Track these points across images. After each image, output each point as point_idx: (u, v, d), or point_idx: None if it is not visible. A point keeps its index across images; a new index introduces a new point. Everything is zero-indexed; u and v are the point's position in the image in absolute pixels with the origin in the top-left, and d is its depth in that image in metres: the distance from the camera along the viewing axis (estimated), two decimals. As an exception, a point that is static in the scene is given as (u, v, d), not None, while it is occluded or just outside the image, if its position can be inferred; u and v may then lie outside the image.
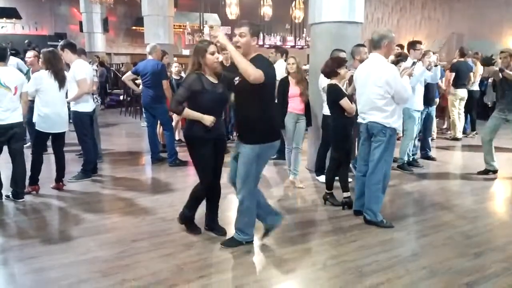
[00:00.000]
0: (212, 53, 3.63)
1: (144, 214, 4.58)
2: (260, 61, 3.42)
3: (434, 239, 4.01)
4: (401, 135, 6.69)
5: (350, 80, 4.88)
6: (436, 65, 6.38)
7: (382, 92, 4.08)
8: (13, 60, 8.03)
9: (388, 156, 4.25)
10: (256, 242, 3.90)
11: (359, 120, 4.42)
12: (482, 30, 13.44)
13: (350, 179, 5.00)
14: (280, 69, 6.24)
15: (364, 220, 4.34)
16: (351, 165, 5.58)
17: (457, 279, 3.27)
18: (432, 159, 7.07)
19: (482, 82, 10.90)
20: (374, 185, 4.24)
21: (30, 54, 6.80)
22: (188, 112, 3.67)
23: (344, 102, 4.50)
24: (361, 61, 4.91)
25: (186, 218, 4.06)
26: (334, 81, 4.59)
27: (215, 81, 3.72)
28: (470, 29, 13.76)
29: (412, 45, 6.33)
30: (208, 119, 3.64)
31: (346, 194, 4.73)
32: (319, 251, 3.74)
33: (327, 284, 3.21)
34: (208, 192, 3.93)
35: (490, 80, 11.54)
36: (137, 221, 4.40)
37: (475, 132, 9.37)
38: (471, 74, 8.86)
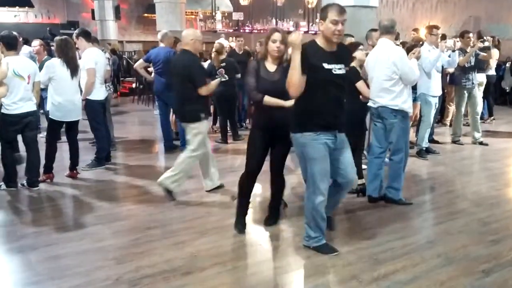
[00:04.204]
0: (274, 41, 3.53)
1: (157, 202, 4.59)
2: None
3: (449, 226, 3.96)
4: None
5: (361, 65, 4.83)
6: (453, 50, 6.27)
7: (390, 73, 4.20)
8: (25, 49, 8.11)
9: (405, 135, 4.38)
10: (270, 229, 3.89)
11: (370, 103, 4.48)
12: (499, 13, 13.12)
13: (364, 166, 4.95)
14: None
15: (384, 199, 4.47)
16: (364, 152, 5.53)
17: (473, 267, 3.23)
18: (435, 142, 7.07)
19: (499, 67, 10.66)
20: (396, 164, 4.41)
21: (36, 43, 6.78)
22: (270, 100, 3.55)
23: (361, 84, 4.50)
24: (373, 46, 4.86)
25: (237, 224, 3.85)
26: (352, 65, 4.54)
27: (273, 69, 3.61)
28: (487, 12, 13.43)
29: (429, 29, 6.24)
30: (288, 104, 3.50)
31: (360, 181, 4.68)
32: (334, 238, 3.70)
33: (341, 272, 3.20)
34: (249, 180, 3.77)
35: (508, 65, 11.32)
36: (151, 208, 4.42)
37: (492, 117, 9.22)
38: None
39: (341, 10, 3.18)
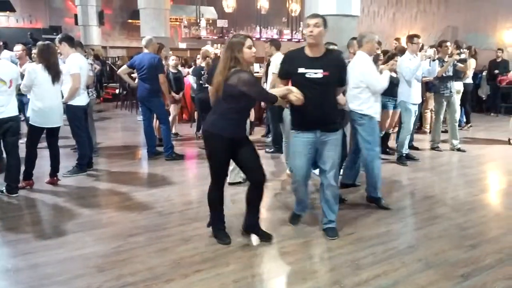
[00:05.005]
0: (249, 47, 3.41)
1: (140, 209, 4.56)
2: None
3: (429, 231, 4.03)
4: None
5: None
6: (434, 60, 6.42)
7: (357, 81, 4.49)
8: (6, 54, 8.00)
9: (374, 133, 4.55)
10: (252, 236, 3.90)
11: (346, 108, 4.72)
12: (477, 23, 13.44)
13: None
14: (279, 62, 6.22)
15: (367, 198, 4.67)
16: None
17: (453, 271, 3.29)
18: (415, 148, 7.21)
19: (476, 75, 10.94)
20: (369, 163, 4.55)
21: (18, 48, 6.70)
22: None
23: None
24: (355, 53, 4.96)
25: (211, 225, 3.85)
26: None
27: None
28: (465, 22, 13.75)
29: (410, 38, 6.37)
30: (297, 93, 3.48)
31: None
32: (316, 244, 3.75)
33: (324, 277, 3.22)
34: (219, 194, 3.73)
35: (484, 73, 11.63)
36: (133, 215, 4.39)
37: (469, 124, 9.43)
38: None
39: (313, 15, 3.65)
